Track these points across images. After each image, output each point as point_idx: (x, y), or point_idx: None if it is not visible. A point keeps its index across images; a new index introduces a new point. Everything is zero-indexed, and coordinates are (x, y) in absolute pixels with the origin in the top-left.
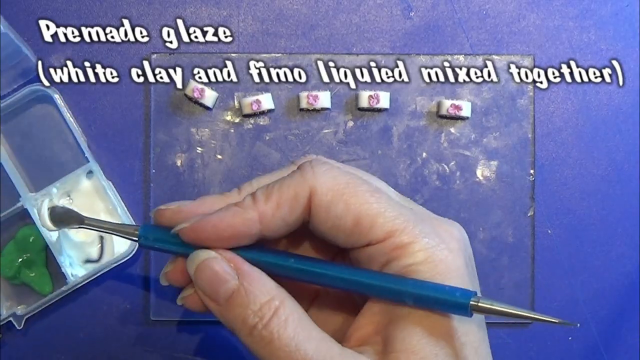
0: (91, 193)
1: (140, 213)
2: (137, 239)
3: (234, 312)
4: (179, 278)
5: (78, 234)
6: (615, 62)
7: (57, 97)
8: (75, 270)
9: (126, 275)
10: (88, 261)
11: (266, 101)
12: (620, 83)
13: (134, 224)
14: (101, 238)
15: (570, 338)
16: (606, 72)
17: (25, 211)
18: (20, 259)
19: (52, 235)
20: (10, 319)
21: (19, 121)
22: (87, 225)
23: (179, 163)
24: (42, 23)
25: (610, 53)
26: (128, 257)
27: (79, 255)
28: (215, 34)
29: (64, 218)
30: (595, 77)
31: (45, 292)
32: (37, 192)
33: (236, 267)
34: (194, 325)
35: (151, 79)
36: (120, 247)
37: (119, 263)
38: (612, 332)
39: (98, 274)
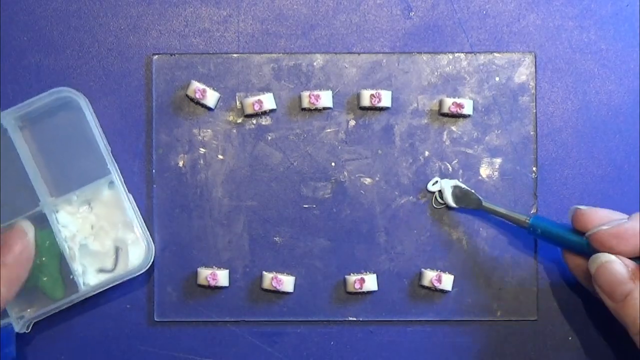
0: (111, 203)
1: (142, 213)
2: (527, 227)
3: (626, 312)
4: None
5: (95, 243)
6: (615, 62)
7: (83, 103)
8: (88, 278)
9: (132, 277)
10: (102, 270)
11: (268, 101)
12: (620, 83)
13: (522, 214)
14: (117, 249)
15: (570, 338)
16: (606, 72)
17: (44, 215)
18: (34, 263)
19: (67, 242)
20: (17, 321)
21: (45, 125)
22: (484, 208)
23: (181, 164)
24: (43, 23)
25: (610, 53)
26: (142, 271)
27: (93, 264)
28: (215, 34)
29: (464, 199)
30: (595, 77)
31: (56, 298)
32: (57, 198)
33: (633, 272)
34: (198, 326)
35: (152, 79)
36: (135, 259)
37: (132, 276)
38: (612, 331)
39: (110, 285)
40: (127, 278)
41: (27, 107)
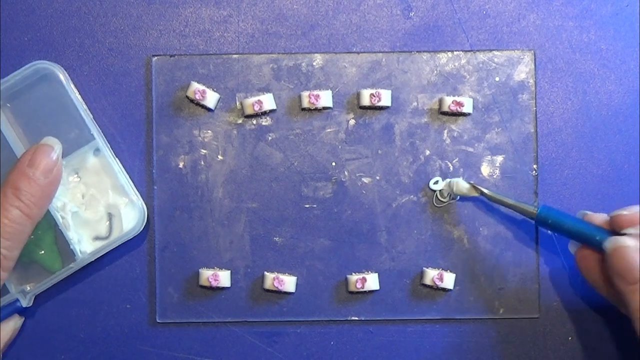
0: (99, 170)
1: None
2: (534, 217)
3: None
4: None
5: (87, 212)
6: (615, 62)
7: (61, 75)
8: (84, 247)
9: (132, 277)
10: (97, 238)
11: (268, 101)
12: (620, 83)
13: (530, 204)
14: (110, 215)
15: (570, 338)
16: (606, 72)
17: None
18: (29, 237)
19: (60, 212)
20: (21, 295)
21: (25, 100)
22: (490, 197)
23: (181, 165)
24: (43, 23)
25: (610, 53)
26: (137, 233)
27: (88, 233)
28: (215, 34)
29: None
30: (595, 77)
31: (55, 269)
32: None
33: None
34: (199, 327)
35: (152, 81)
36: (129, 223)
37: (127, 239)
38: (613, 329)
39: (107, 251)
40: (123, 241)
41: (5, 83)
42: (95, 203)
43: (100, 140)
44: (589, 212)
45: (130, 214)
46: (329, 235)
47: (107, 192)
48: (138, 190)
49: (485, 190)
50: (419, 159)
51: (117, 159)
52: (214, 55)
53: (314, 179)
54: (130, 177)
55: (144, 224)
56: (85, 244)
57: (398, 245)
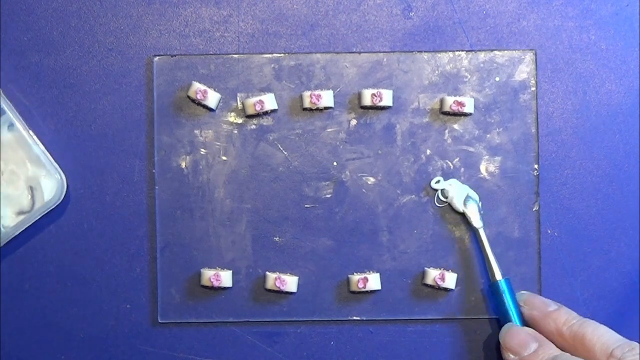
0: (14, 145)
1: (143, 214)
2: (494, 282)
3: None
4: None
5: (8, 188)
6: (614, 62)
7: None
8: (7, 222)
9: (132, 277)
10: (21, 212)
11: (269, 101)
12: (620, 83)
13: (499, 274)
14: (31, 188)
15: None
16: (606, 72)
17: None
18: None
19: None
20: None
21: None
22: (476, 232)
23: (183, 165)
24: (43, 23)
25: (610, 53)
26: (57, 203)
27: (10, 208)
28: (216, 34)
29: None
30: (595, 77)
31: None
32: None
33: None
34: (199, 327)
35: (153, 81)
36: (49, 193)
37: (48, 209)
38: (613, 330)
39: (30, 223)
40: (44, 213)
41: None
42: (15, 178)
43: (12, 114)
44: (529, 295)
45: (50, 184)
46: (330, 235)
47: (26, 166)
48: (140, 191)
49: (481, 232)
50: (420, 158)
51: (31, 131)
52: (215, 55)
53: (315, 179)
54: (46, 148)
55: (64, 192)
56: (7, 219)
57: (399, 245)
